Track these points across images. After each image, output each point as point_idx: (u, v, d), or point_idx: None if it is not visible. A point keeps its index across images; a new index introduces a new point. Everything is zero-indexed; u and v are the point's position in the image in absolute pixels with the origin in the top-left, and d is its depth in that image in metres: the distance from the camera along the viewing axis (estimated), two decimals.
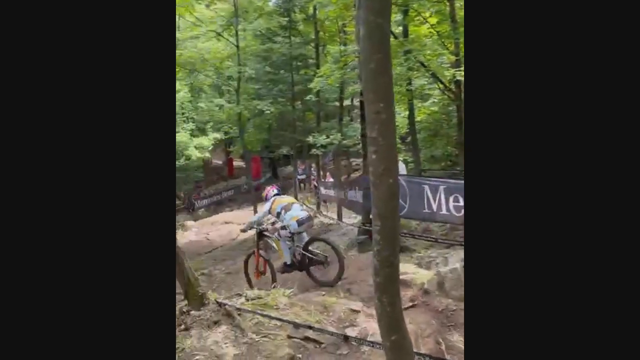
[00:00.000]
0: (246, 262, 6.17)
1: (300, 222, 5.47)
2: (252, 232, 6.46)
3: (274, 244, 5.80)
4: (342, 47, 9.59)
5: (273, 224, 5.75)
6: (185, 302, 4.33)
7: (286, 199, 5.86)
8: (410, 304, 4.22)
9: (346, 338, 3.51)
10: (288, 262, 5.62)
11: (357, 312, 4.22)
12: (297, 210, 5.61)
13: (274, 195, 5.90)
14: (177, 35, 12.34)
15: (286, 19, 12.92)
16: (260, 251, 5.88)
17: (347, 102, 14.92)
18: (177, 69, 11.57)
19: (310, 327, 3.68)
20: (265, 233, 5.84)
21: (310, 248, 5.52)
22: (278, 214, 5.60)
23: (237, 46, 11.59)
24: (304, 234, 5.69)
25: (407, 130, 9.95)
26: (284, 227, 5.53)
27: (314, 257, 5.45)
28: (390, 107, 1.66)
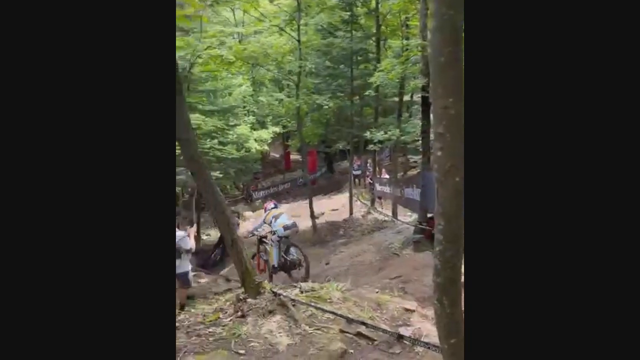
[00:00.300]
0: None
1: (285, 228, 6.69)
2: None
3: (268, 249, 7.13)
4: (405, 41, 9.38)
5: (272, 232, 6.99)
6: (242, 289, 4.47)
7: (278, 211, 7.16)
8: None
9: (400, 337, 3.46)
10: (275, 265, 6.90)
11: (412, 311, 4.14)
12: (284, 218, 6.87)
13: (271, 208, 7.22)
14: (242, 30, 12.68)
15: (348, 13, 12.83)
16: (261, 253, 7.29)
17: (406, 98, 14.63)
18: (240, 64, 11.91)
19: (363, 324, 3.66)
20: (264, 240, 7.18)
21: (289, 253, 6.88)
22: (270, 223, 6.89)
23: (299, 41, 11.70)
24: (290, 240, 6.95)
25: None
26: (273, 232, 6.79)
27: (291, 261, 6.83)
28: (460, 102, 1.59)
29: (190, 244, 5.73)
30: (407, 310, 4.17)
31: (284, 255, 6.82)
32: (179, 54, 8.42)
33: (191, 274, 6.02)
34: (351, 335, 3.60)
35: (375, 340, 3.57)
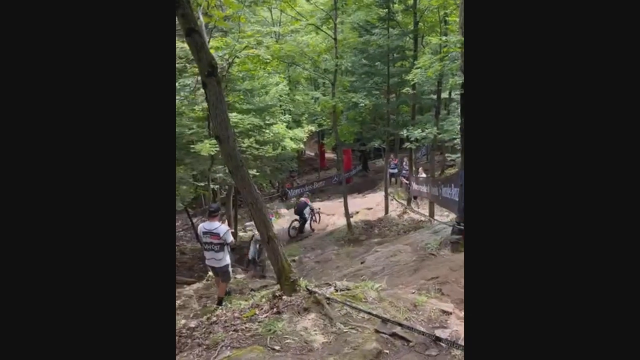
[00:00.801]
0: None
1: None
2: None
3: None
4: (443, 38, 9.18)
5: None
6: (278, 286, 4.52)
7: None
8: None
9: (437, 339, 3.39)
10: (250, 259, 9.41)
11: (449, 313, 4.05)
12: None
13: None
14: (279, 29, 12.81)
15: (385, 10, 12.71)
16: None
17: (444, 95, 14.34)
18: (276, 63, 12.05)
19: (399, 324, 3.62)
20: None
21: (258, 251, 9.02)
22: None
23: (335, 39, 11.69)
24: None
25: None
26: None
27: (253, 258, 9.10)
28: None
29: (231, 238, 5.88)
30: (444, 312, 4.09)
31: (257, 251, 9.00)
32: (218, 54, 8.60)
33: (231, 268, 6.17)
34: (386, 336, 3.57)
35: (411, 341, 3.52)
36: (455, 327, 3.83)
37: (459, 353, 3.28)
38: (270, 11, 17.87)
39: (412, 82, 10.71)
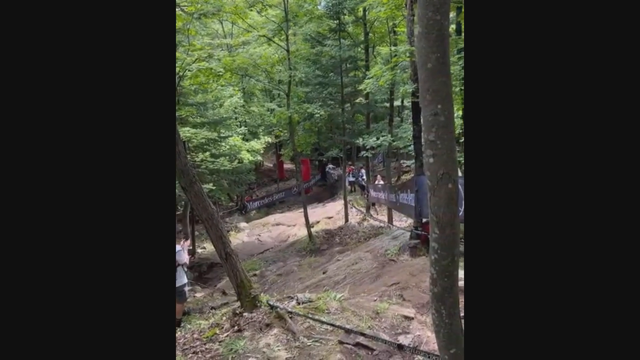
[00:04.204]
0: None
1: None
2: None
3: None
4: (393, 48, 9.43)
5: None
6: (239, 303, 4.40)
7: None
8: None
9: (400, 347, 3.41)
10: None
11: (411, 319, 4.09)
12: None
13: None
14: (230, 41, 12.70)
15: (336, 21, 12.92)
16: None
17: (397, 103, 14.69)
18: (229, 75, 11.92)
19: (362, 334, 3.61)
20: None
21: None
22: None
23: (288, 50, 11.73)
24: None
25: (462, 131, 9.62)
26: None
27: None
28: (449, 109, 1.58)
29: (185, 257, 5.69)
30: (405, 317, 4.12)
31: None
32: None
33: (187, 287, 5.97)
34: (350, 346, 3.55)
35: (374, 350, 3.52)
36: (417, 332, 3.87)
37: (421, 358, 3.31)
38: (222, 23, 17.71)
39: (365, 92, 10.90)
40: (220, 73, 9.79)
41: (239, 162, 12.96)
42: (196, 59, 8.83)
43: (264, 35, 12.06)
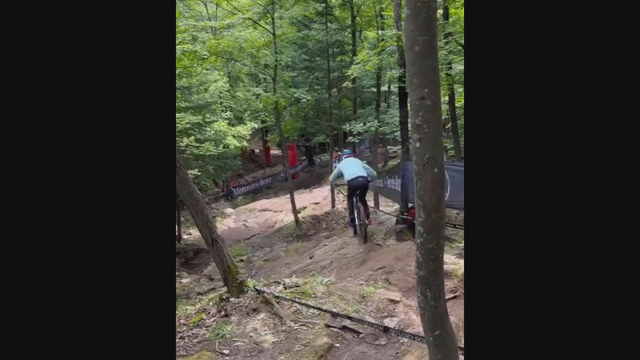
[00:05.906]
0: None
1: None
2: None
3: None
4: (380, 32, 9.35)
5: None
6: (225, 288, 4.40)
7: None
8: (452, 295, 4.11)
9: (386, 329, 3.46)
10: None
11: (396, 302, 4.15)
12: None
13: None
14: (215, 24, 12.44)
15: (322, 5, 12.75)
16: None
17: (384, 88, 14.65)
18: (214, 59, 11.71)
19: (348, 317, 3.65)
20: None
21: None
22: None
23: (274, 34, 11.55)
24: None
25: (447, 116, 9.65)
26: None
27: None
28: (436, 93, 1.57)
29: None
30: (391, 301, 4.18)
31: None
32: None
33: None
34: (337, 330, 3.59)
35: (360, 333, 3.57)
36: (403, 315, 3.93)
37: (407, 341, 3.36)
38: (206, 5, 17.33)
39: (352, 77, 10.84)
40: (205, 56, 9.61)
41: (224, 148, 12.83)
42: (180, 42, 8.64)
43: (249, 18, 11.83)
